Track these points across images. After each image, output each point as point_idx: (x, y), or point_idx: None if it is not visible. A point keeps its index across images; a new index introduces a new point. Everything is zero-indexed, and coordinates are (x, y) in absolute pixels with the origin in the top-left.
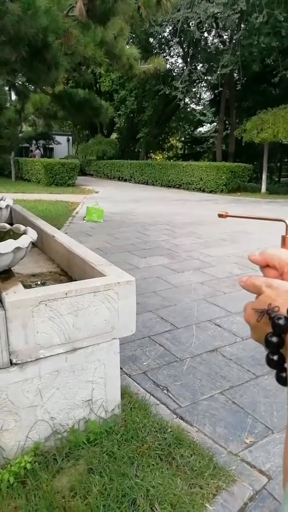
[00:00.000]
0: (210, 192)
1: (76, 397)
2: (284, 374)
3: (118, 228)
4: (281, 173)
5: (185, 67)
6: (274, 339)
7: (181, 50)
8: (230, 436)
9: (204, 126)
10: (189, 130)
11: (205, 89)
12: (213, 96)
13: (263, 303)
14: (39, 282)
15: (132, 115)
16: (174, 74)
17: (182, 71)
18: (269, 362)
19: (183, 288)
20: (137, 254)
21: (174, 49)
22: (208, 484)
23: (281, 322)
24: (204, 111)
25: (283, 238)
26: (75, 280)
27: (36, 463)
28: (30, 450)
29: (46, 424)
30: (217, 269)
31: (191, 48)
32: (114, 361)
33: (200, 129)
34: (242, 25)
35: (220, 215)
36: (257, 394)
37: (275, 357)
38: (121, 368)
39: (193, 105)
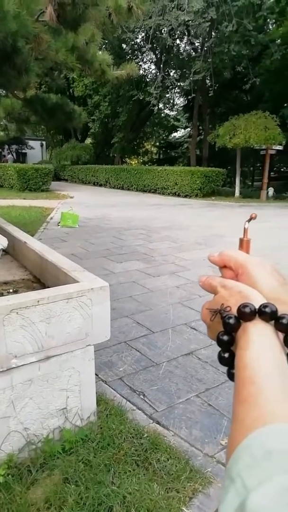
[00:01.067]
0: (185, 196)
1: (50, 406)
2: (234, 371)
3: (94, 234)
4: (254, 178)
5: (158, 73)
6: (225, 337)
7: (154, 56)
8: (206, 439)
9: (178, 131)
10: (164, 135)
11: (179, 95)
12: (186, 102)
13: (217, 303)
14: (11, 290)
15: (106, 120)
16: (147, 80)
17: (155, 77)
18: (221, 360)
19: (159, 292)
20: (112, 259)
21: (147, 55)
22: (184, 488)
23: (231, 321)
24: (178, 117)
25: (241, 240)
26: (48, 287)
27: (10, 476)
28: (3, 462)
29: (20, 435)
30: (192, 273)
31: (164, 54)
32: (89, 368)
33: (175, 134)
34: (213, 33)
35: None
36: (232, 396)
37: (226, 355)
38: (96, 375)
39: (167, 111)
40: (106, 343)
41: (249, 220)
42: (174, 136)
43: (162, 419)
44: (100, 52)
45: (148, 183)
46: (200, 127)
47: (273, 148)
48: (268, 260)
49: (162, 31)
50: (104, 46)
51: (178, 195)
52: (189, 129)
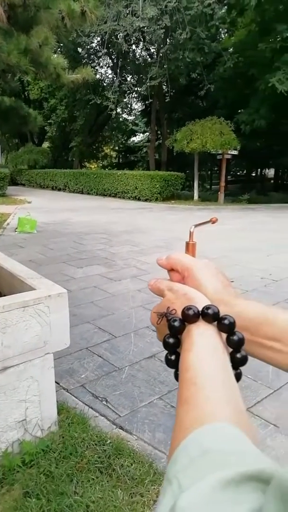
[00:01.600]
0: (145, 200)
1: (9, 418)
2: None
3: (53, 239)
4: (212, 181)
5: (115, 78)
6: (171, 340)
7: (110, 61)
8: (169, 440)
9: (137, 136)
10: (123, 139)
11: (136, 99)
12: (144, 106)
13: (164, 306)
14: None
15: (63, 124)
16: (104, 84)
17: (112, 82)
18: (168, 362)
19: (121, 297)
20: (73, 264)
21: (103, 59)
22: (148, 491)
23: (176, 324)
24: (136, 121)
25: (187, 244)
26: (4, 296)
27: None
28: None
29: None
30: (154, 276)
31: (120, 59)
32: (49, 377)
33: (133, 138)
34: (168, 40)
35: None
36: None
37: (173, 357)
38: (57, 383)
39: (125, 115)
40: (67, 350)
41: (194, 226)
42: (133, 141)
43: (125, 424)
44: (55, 56)
45: (108, 187)
46: (158, 132)
47: (229, 153)
48: (213, 262)
49: (118, 36)
50: (59, 49)
51: (138, 199)
52: (147, 133)
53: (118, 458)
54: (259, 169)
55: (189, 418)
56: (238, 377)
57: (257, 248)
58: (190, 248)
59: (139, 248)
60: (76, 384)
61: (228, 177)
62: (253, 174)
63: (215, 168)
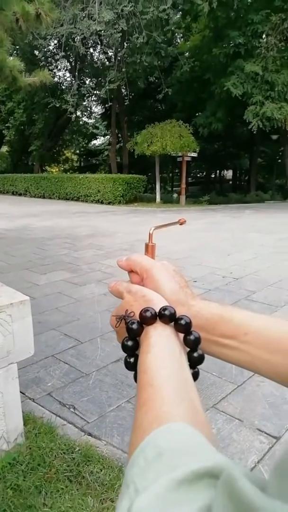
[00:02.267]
0: (108, 203)
1: None
2: None
3: (14, 245)
4: (173, 183)
5: (73, 81)
6: (130, 343)
7: (68, 64)
8: None
9: (98, 139)
10: (83, 142)
11: (96, 103)
12: (104, 110)
13: (123, 308)
14: None
15: (22, 127)
16: (63, 87)
17: (71, 85)
18: (127, 365)
19: (86, 301)
20: (36, 270)
21: (61, 62)
22: (119, 496)
23: (134, 326)
24: (96, 124)
25: (146, 245)
26: None
27: None
28: None
29: None
30: (119, 279)
31: (78, 62)
32: (13, 388)
33: (94, 141)
34: (125, 44)
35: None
36: None
37: (132, 360)
38: (23, 393)
39: (85, 118)
40: (32, 358)
41: (154, 227)
42: (94, 144)
43: (94, 430)
44: (11, 58)
45: (70, 191)
46: (119, 135)
47: (188, 155)
48: (171, 263)
49: (75, 39)
50: (14, 52)
51: (101, 202)
52: (108, 136)
53: (88, 465)
54: (217, 171)
55: (146, 420)
56: (195, 376)
57: (218, 248)
58: (149, 249)
59: (104, 252)
60: (42, 393)
61: (189, 179)
62: (213, 176)
63: (176, 170)
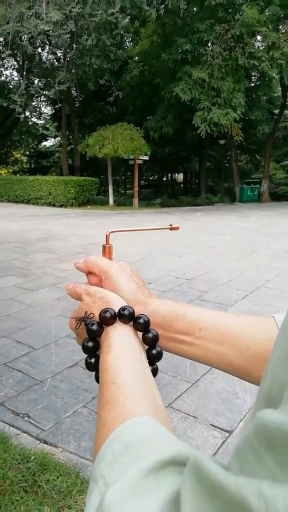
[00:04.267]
0: (61, 206)
1: None
2: None
3: None
4: (126, 186)
5: (21, 81)
6: (90, 343)
7: (15, 63)
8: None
9: (49, 140)
10: (33, 144)
11: (45, 103)
12: (54, 111)
13: (82, 310)
14: None
15: None
16: (10, 86)
17: (19, 84)
18: (88, 366)
19: (39, 307)
20: None
21: (8, 61)
22: (77, 502)
23: (94, 327)
24: (46, 126)
25: (103, 247)
26: None
27: None
28: None
29: None
30: (76, 282)
31: (26, 62)
32: None
33: (45, 143)
34: (74, 45)
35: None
36: None
37: (93, 360)
38: None
39: (34, 119)
40: None
41: (108, 230)
42: (45, 145)
43: (50, 437)
44: None
45: (20, 194)
46: (70, 137)
47: (140, 158)
48: (129, 264)
49: (22, 38)
50: None
51: (53, 205)
52: (59, 138)
53: (44, 474)
54: (169, 174)
55: (111, 417)
56: (154, 372)
57: (171, 250)
58: (107, 251)
59: (57, 255)
60: None
61: (141, 181)
62: (164, 179)
63: (129, 173)
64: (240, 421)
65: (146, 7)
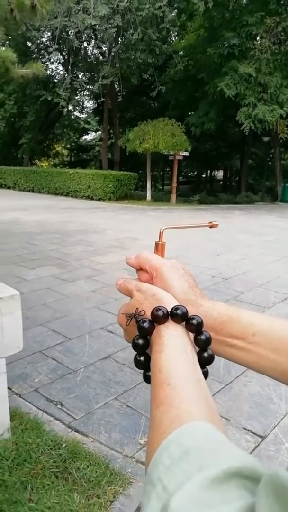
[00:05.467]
0: (99, 200)
1: None
2: (150, 373)
3: (3, 239)
4: (164, 182)
5: (66, 75)
6: (140, 341)
7: (61, 57)
8: (125, 440)
9: (90, 134)
10: (75, 137)
11: (88, 97)
12: (96, 105)
13: (133, 306)
14: None
15: (12, 119)
16: (55, 80)
17: (63, 79)
18: (137, 363)
19: (75, 298)
20: (24, 265)
21: (54, 55)
22: (105, 492)
23: (146, 325)
24: (88, 119)
25: (156, 244)
26: None
27: None
28: None
29: None
30: (108, 276)
31: (72, 56)
32: (0, 383)
33: (86, 137)
34: (120, 40)
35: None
36: (149, 394)
37: (142, 358)
38: (9, 389)
39: (77, 113)
40: (19, 354)
41: (162, 227)
42: (85, 139)
43: (81, 427)
44: (3, 49)
45: (60, 186)
46: (111, 131)
47: (180, 154)
48: (180, 263)
49: (69, 33)
50: (7, 42)
51: (92, 198)
52: (100, 132)
53: (74, 462)
54: (208, 171)
55: (167, 419)
56: (205, 375)
57: (208, 248)
58: (159, 248)
59: (93, 248)
60: (29, 389)
61: (180, 178)
62: (203, 175)
63: (167, 169)
64: (274, 427)
65: (195, 0)
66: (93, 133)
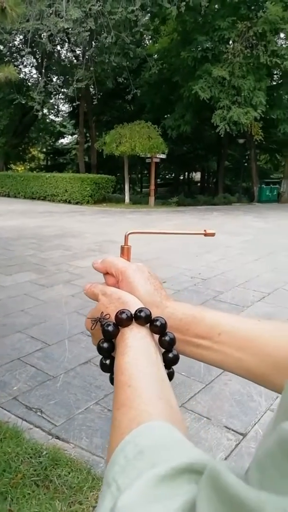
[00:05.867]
0: (76, 203)
1: None
2: None
3: None
4: (142, 184)
5: (40, 78)
6: (105, 345)
7: (34, 60)
8: (107, 444)
9: (66, 138)
10: (51, 141)
11: (63, 101)
12: (71, 108)
13: (98, 311)
14: None
15: None
16: (29, 84)
17: (37, 82)
18: (103, 367)
19: (53, 303)
20: (1, 271)
21: (27, 59)
22: (87, 498)
23: (110, 328)
24: (64, 123)
25: (122, 248)
26: None
27: None
28: None
29: None
30: (87, 280)
31: (45, 59)
32: None
33: (62, 140)
34: (93, 43)
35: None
36: None
37: (108, 361)
38: None
39: (52, 116)
40: None
41: (127, 231)
42: (62, 143)
43: (62, 433)
44: None
45: (36, 190)
46: (87, 134)
47: (157, 156)
48: (146, 265)
49: (42, 36)
50: None
51: (69, 202)
52: (76, 135)
53: (55, 469)
54: (186, 173)
55: (125, 420)
56: (170, 376)
57: (187, 249)
58: (125, 252)
59: (72, 252)
60: (7, 397)
61: (158, 180)
62: (181, 177)
63: (145, 172)
64: (255, 424)
65: (167, 5)
66: (70, 137)
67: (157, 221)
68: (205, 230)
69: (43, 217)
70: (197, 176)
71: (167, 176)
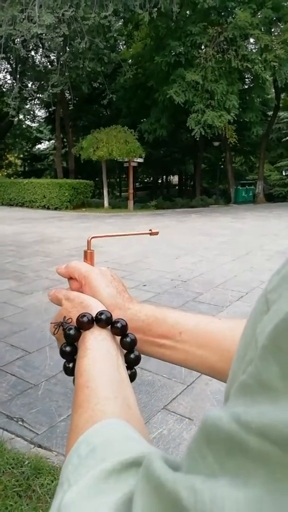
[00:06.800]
0: (55, 209)
1: None
2: None
3: None
4: (121, 188)
5: (15, 84)
6: (68, 348)
7: (8, 66)
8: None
9: (43, 143)
10: (27, 147)
11: (39, 106)
12: (48, 113)
13: (61, 315)
14: None
15: None
16: (4, 89)
17: (12, 88)
18: (66, 370)
19: (33, 310)
20: None
21: (1, 64)
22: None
23: (72, 332)
24: (40, 128)
25: (85, 252)
26: None
27: None
28: None
29: None
30: (67, 286)
31: (19, 65)
32: None
33: (39, 146)
34: (67, 48)
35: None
36: None
37: (71, 365)
38: None
39: (28, 122)
40: None
41: (89, 236)
42: (39, 148)
43: (44, 441)
44: None
45: (14, 197)
46: (64, 139)
47: (135, 160)
48: (110, 269)
49: (15, 41)
50: None
51: (48, 208)
52: (53, 141)
53: (38, 478)
54: (164, 176)
55: (82, 421)
56: (133, 376)
57: (166, 252)
58: (88, 256)
59: (51, 259)
60: None
61: (136, 184)
62: (159, 181)
63: (124, 176)
64: None
65: (139, 10)
66: (47, 142)
67: (136, 224)
68: (150, 230)
69: (22, 224)
70: (175, 179)
71: (145, 180)
